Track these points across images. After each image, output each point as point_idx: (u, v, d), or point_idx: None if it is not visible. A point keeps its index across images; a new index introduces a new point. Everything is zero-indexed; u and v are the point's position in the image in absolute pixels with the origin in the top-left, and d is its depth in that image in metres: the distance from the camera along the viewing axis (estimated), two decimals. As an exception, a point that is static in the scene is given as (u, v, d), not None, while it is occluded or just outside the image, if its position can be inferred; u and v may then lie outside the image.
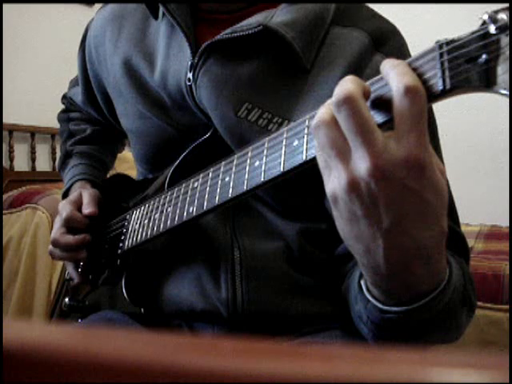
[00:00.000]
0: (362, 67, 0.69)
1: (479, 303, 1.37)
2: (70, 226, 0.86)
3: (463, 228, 0.73)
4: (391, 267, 0.46)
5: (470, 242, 1.84)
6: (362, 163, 0.42)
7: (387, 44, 0.71)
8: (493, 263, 1.50)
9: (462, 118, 2.67)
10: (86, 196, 0.89)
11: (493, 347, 1.36)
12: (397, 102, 0.42)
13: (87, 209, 0.87)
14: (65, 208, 0.87)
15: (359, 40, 0.71)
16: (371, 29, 0.72)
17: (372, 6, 0.78)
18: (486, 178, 2.66)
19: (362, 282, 0.55)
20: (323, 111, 0.44)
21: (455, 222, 0.71)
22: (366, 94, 0.44)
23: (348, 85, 0.43)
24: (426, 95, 0.41)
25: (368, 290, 0.53)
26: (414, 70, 0.43)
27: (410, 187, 0.42)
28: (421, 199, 0.43)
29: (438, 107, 0.73)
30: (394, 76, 0.42)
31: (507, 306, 1.36)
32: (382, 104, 0.44)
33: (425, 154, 0.42)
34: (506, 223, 2.24)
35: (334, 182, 0.44)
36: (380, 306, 0.52)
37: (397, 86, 0.42)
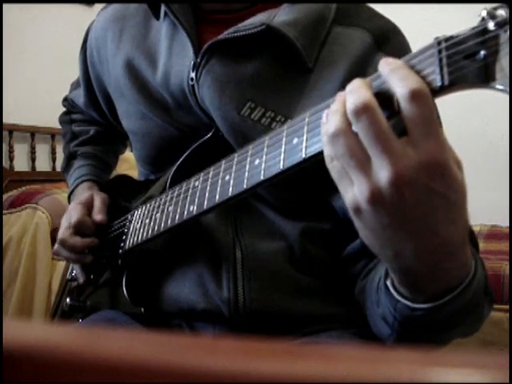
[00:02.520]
0: (365, 67, 0.69)
1: (479, 303, 1.37)
2: (79, 229, 0.86)
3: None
4: (422, 266, 0.46)
5: (470, 242, 1.83)
6: (383, 172, 0.41)
7: (389, 43, 0.71)
8: (493, 263, 1.50)
9: (462, 119, 2.67)
10: (98, 201, 0.89)
11: (493, 347, 1.36)
12: (404, 108, 0.41)
13: (98, 215, 0.87)
14: (76, 210, 0.87)
15: (361, 39, 0.71)
16: (373, 28, 0.72)
17: (372, 5, 0.78)
18: (486, 178, 2.66)
19: (389, 283, 0.54)
20: (339, 119, 0.43)
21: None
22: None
23: (363, 92, 0.43)
24: (431, 95, 0.41)
25: (396, 290, 0.53)
26: (413, 66, 0.43)
27: (434, 190, 0.42)
28: (445, 199, 0.43)
29: (439, 107, 0.73)
30: (396, 81, 0.42)
31: (507, 306, 1.36)
32: (384, 101, 0.43)
33: (444, 155, 0.41)
34: (506, 223, 2.24)
35: (355, 193, 0.43)
36: (410, 304, 0.51)
37: (401, 92, 0.41)
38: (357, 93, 0.43)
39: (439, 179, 0.42)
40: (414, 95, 0.40)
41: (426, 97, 0.41)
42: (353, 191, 0.44)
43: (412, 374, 0.16)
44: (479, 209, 2.53)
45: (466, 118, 2.71)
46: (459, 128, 2.62)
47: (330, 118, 0.45)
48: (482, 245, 1.85)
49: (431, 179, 0.41)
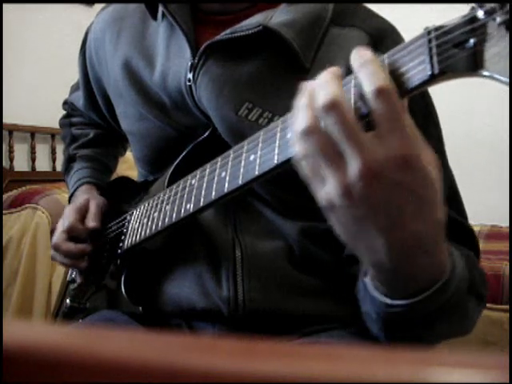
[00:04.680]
0: None
1: (479, 303, 1.37)
2: (71, 235, 0.87)
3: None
4: (394, 262, 0.47)
5: (470, 242, 1.83)
6: (353, 165, 0.42)
7: (386, 43, 0.71)
8: (493, 263, 1.50)
9: (463, 118, 2.67)
10: (93, 207, 0.89)
11: (493, 347, 1.35)
12: (371, 104, 0.42)
13: (91, 222, 0.87)
14: (69, 215, 0.88)
15: (359, 40, 0.71)
16: (370, 28, 0.72)
17: (370, 5, 0.78)
18: (486, 177, 2.66)
19: (367, 280, 0.54)
20: (309, 116, 0.44)
21: (462, 215, 0.71)
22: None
23: (332, 88, 0.43)
24: (397, 92, 0.42)
25: (374, 287, 0.54)
26: (403, 57, 0.43)
27: (401, 184, 0.43)
28: (413, 194, 0.44)
29: (439, 107, 0.73)
30: (363, 76, 0.43)
31: (507, 306, 1.36)
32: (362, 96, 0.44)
33: (411, 150, 0.42)
34: (506, 223, 2.23)
35: (328, 189, 0.44)
36: (386, 300, 0.52)
37: (368, 89, 0.42)
38: (325, 88, 0.44)
39: (406, 173, 0.42)
40: (380, 92, 0.41)
41: (390, 94, 0.42)
42: (325, 188, 0.44)
43: (412, 374, 0.16)
44: (479, 209, 2.53)
45: (467, 119, 2.71)
46: (460, 129, 2.63)
47: (299, 113, 0.45)
48: (481, 245, 1.84)
49: (398, 173, 0.42)
